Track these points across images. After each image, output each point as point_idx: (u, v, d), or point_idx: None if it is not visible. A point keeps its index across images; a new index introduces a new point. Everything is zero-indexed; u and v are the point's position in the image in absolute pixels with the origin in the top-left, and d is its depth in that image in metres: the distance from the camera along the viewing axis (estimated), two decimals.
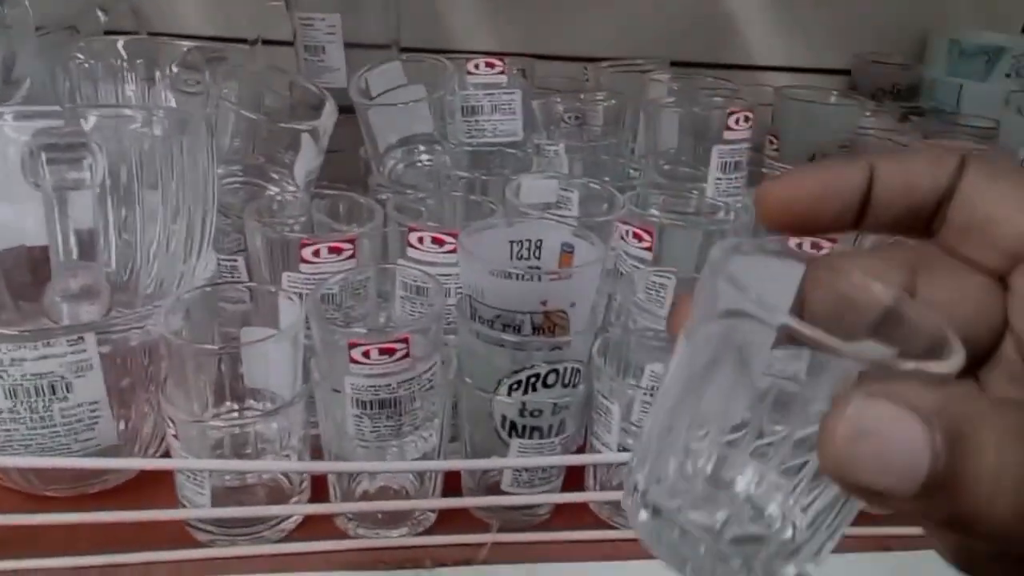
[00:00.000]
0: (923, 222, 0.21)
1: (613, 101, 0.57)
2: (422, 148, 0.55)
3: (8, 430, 0.36)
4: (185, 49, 0.53)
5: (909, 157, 0.21)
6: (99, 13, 0.69)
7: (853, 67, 0.88)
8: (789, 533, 0.19)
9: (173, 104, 0.53)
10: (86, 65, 0.53)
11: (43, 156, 0.31)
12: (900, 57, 0.85)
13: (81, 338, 0.35)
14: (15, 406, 0.35)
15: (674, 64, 0.76)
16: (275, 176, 0.48)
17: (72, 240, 0.32)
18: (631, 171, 0.54)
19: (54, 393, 0.35)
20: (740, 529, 0.19)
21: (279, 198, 0.46)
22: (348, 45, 0.71)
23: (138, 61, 0.52)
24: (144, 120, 0.37)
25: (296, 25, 0.70)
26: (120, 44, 0.53)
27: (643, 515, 0.20)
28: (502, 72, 0.56)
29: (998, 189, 0.20)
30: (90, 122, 0.34)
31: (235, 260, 0.46)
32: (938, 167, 0.20)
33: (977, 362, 0.21)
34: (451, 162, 0.52)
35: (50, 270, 0.38)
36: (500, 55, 0.83)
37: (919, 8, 0.87)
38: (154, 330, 0.37)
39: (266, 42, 0.74)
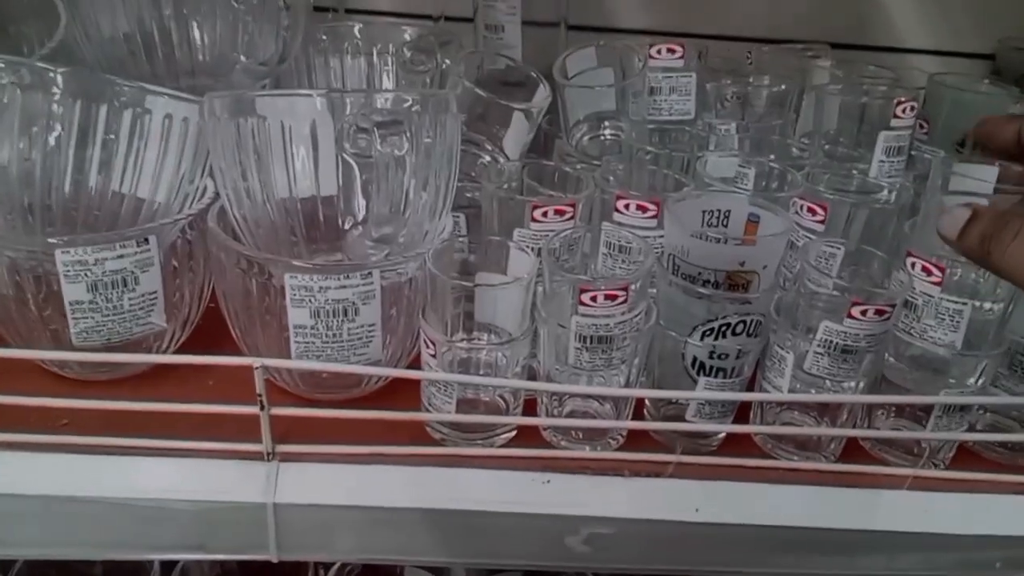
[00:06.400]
0: None
1: (783, 86, 0.63)
2: (606, 124, 0.62)
3: (308, 342, 0.45)
4: (407, 32, 0.62)
5: None
6: None
7: (997, 52, 0.90)
8: None
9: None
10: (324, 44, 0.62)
11: (376, 131, 0.40)
12: None
13: (370, 273, 0.44)
14: (316, 324, 0.45)
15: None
16: (488, 147, 0.57)
17: (383, 198, 0.41)
18: (795, 150, 0.60)
19: (346, 315, 0.45)
20: None
21: (499, 166, 0.54)
22: (522, 23, 0.78)
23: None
24: (414, 101, 0.45)
25: (478, 5, 0.78)
26: (356, 29, 0.62)
27: None
28: (681, 57, 0.62)
29: None
30: (386, 102, 0.43)
31: (457, 216, 0.55)
32: None
33: None
34: (635, 137, 0.59)
35: (326, 218, 0.49)
36: (656, 33, 0.90)
37: None
38: (416, 272, 0.46)
39: (447, 19, 0.83)
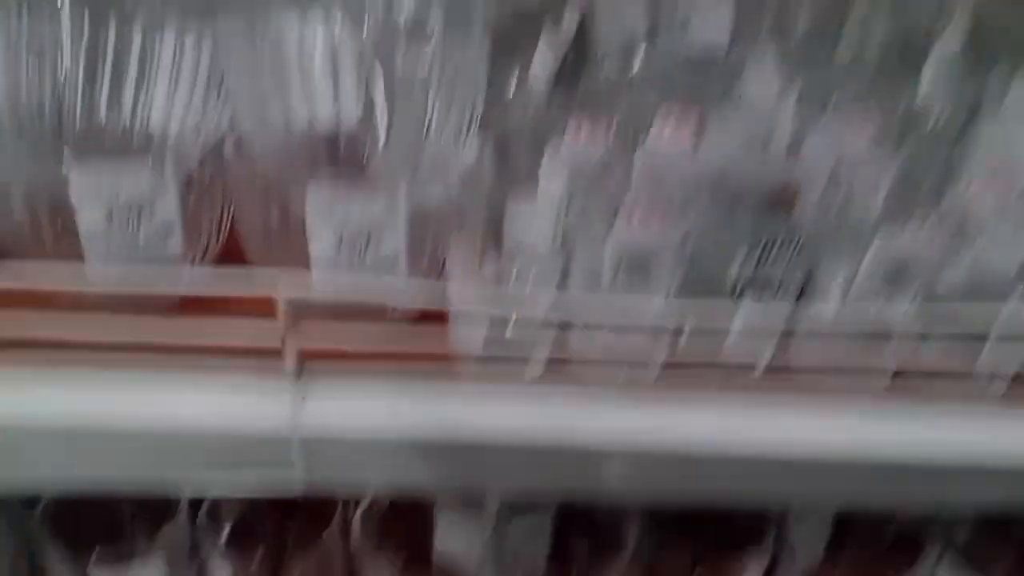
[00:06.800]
0: None
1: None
2: (642, 44, 0.59)
3: (330, 271, 0.44)
4: None
5: None
6: None
7: None
8: None
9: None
10: None
11: (398, 50, 0.37)
12: None
13: (394, 197, 0.42)
14: (338, 252, 0.43)
15: None
16: (517, 68, 0.54)
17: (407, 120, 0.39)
18: (840, 69, 0.56)
19: (369, 242, 0.43)
20: None
21: (527, 88, 0.51)
22: None
23: None
24: (438, 17, 0.43)
25: None
26: None
27: None
28: None
29: None
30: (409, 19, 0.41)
31: (484, 139, 0.52)
32: None
33: None
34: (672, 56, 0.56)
35: (347, 142, 0.47)
36: None
37: None
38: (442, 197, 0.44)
39: None
